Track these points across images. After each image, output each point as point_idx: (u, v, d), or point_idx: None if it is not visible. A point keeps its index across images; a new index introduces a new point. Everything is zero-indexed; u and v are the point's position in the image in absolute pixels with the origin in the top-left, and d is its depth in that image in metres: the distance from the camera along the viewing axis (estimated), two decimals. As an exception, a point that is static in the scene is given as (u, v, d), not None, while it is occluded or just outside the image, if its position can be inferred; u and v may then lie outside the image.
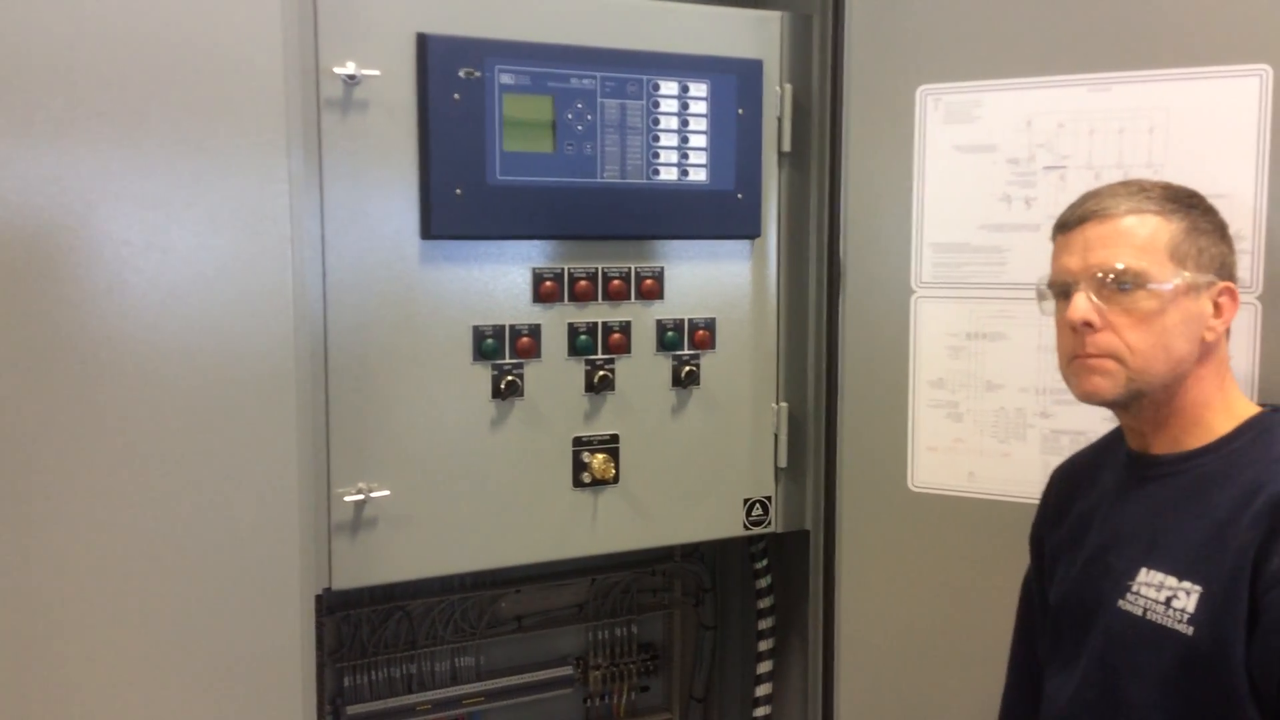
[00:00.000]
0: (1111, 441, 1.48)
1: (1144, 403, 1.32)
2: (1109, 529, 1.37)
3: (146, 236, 1.39)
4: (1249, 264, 1.54)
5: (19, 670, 1.38)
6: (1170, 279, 1.28)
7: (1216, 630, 1.21)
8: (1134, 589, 1.29)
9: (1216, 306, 1.30)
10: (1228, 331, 1.34)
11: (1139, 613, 1.28)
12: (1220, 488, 1.27)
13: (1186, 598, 1.24)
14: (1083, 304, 1.29)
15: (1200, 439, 1.32)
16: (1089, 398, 1.33)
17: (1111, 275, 1.29)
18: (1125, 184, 1.35)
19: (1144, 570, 1.29)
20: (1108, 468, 1.44)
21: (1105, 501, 1.41)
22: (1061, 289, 1.34)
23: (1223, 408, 1.32)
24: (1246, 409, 1.33)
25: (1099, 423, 1.61)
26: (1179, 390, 1.31)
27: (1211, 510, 1.26)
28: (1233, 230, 1.52)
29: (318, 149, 1.60)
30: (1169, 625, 1.24)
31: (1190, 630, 1.22)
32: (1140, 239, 1.29)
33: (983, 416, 1.77)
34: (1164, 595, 1.26)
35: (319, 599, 1.67)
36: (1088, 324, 1.29)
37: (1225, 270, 1.31)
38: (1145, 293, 1.28)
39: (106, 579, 1.41)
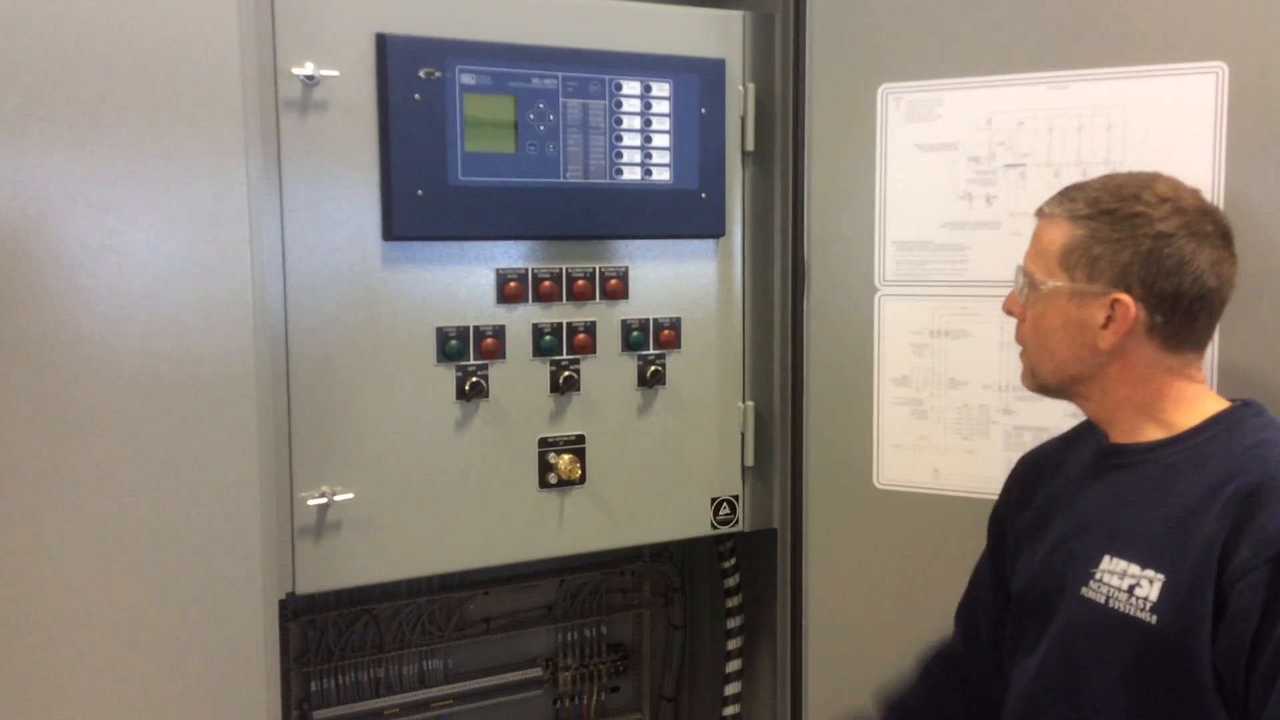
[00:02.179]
0: (1080, 432, 1.49)
1: (1072, 396, 1.40)
2: (1073, 516, 1.38)
3: (102, 239, 1.38)
4: (1206, 260, 1.56)
5: (-25, 680, 1.37)
6: (1048, 284, 1.34)
7: (1181, 619, 1.21)
8: (1097, 576, 1.30)
9: (1110, 317, 1.30)
10: (1154, 336, 1.30)
11: (1101, 600, 1.28)
12: (1186, 478, 1.28)
13: (1150, 586, 1.24)
14: (1010, 294, 1.42)
15: (1161, 432, 1.33)
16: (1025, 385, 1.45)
17: (1021, 273, 1.39)
18: (1082, 184, 1.37)
19: (1107, 558, 1.30)
20: (1075, 457, 1.45)
21: (1069, 489, 1.42)
22: None
23: (1182, 405, 1.33)
24: (1214, 404, 1.34)
25: (1061, 418, 1.62)
26: (1096, 389, 1.36)
27: (1177, 499, 1.27)
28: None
29: (276, 150, 1.59)
30: (1131, 613, 1.25)
31: (1153, 619, 1.23)
32: (1042, 243, 1.36)
33: (946, 414, 1.78)
34: (1126, 583, 1.26)
35: (283, 604, 1.66)
36: (1008, 313, 1.42)
37: (1129, 281, 1.28)
38: (1036, 294, 1.36)
39: (64, 585, 1.39)
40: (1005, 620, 1.51)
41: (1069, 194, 1.36)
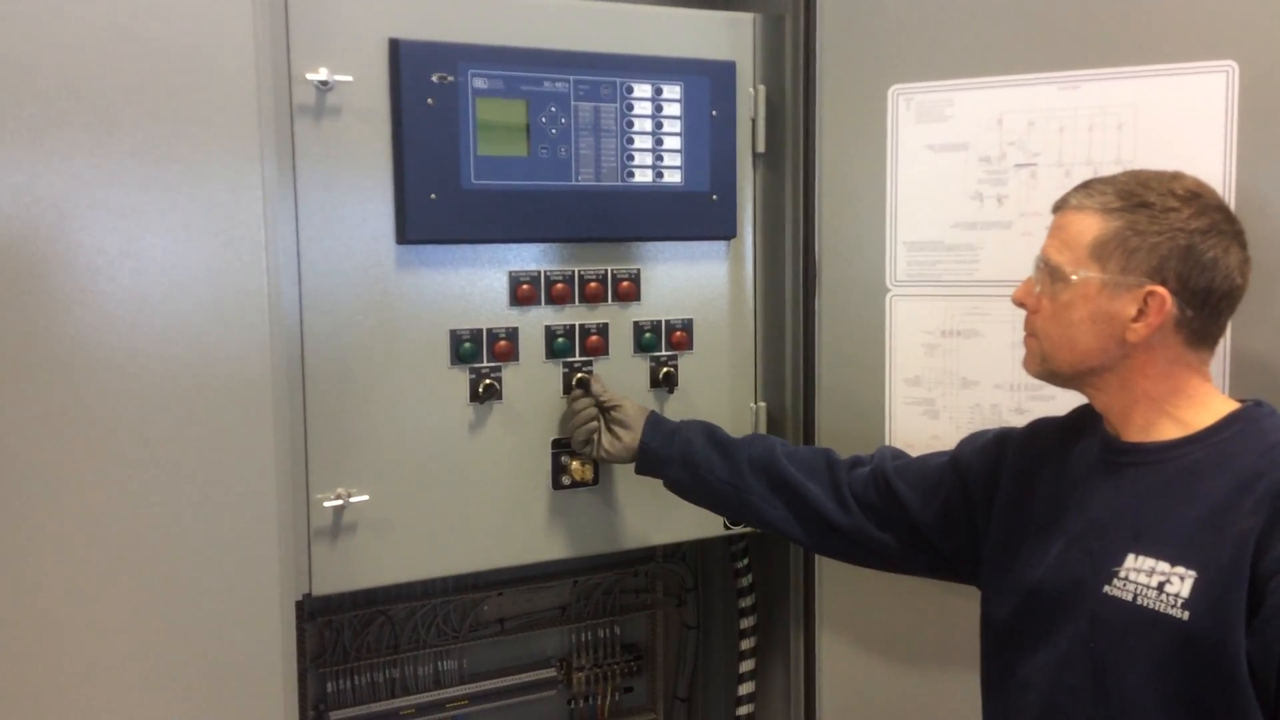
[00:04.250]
0: (1078, 423, 1.48)
1: (1084, 387, 1.39)
2: (1084, 514, 1.38)
3: (120, 245, 1.39)
4: (1218, 258, 1.56)
5: (-3, 681, 1.38)
6: (1079, 274, 1.33)
7: (1216, 614, 1.22)
8: (1122, 575, 1.30)
9: (1143, 310, 1.30)
10: (1180, 330, 1.31)
11: (1129, 598, 1.28)
12: (1211, 476, 1.28)
13: (1181, 583, 1.25)
14: (1021, 285, 1.42)
15: (1175, 430, 1.33)
16: (1025, 371, 1.45)
17: (1043, 264, 1.38)
18: (1106, 178, 1.37)
19: (1132, 556, 1.30)
20: (1077, 451, 1.45)
21: (1076, 486, 1.41)
22: None
23: (1195, 403, 1.34)
24: (1225, 404, 1.34)
25: (1072, 418, 1.62)
26: (1114, 381, 1.35)
27: (1204, 498, 1.27)
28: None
29: (291, 155, 1.60)
30: (1162, 610, 1.25)
31: (1185, 615, 1.23)
32: (1070, 233, 1.35)
33: (959, 413, 1.78)
34: (1156, 580, 1.27)
35: (300, 605, 1.67)
36: (1019, 303, 1.42)
37: (1164, 275, 1.29)
38: (1063, 284, 1.35)
39: (84, 588, 1.40)
40: (893, 509, 1.61)
41: (1095, 187, 1.35)
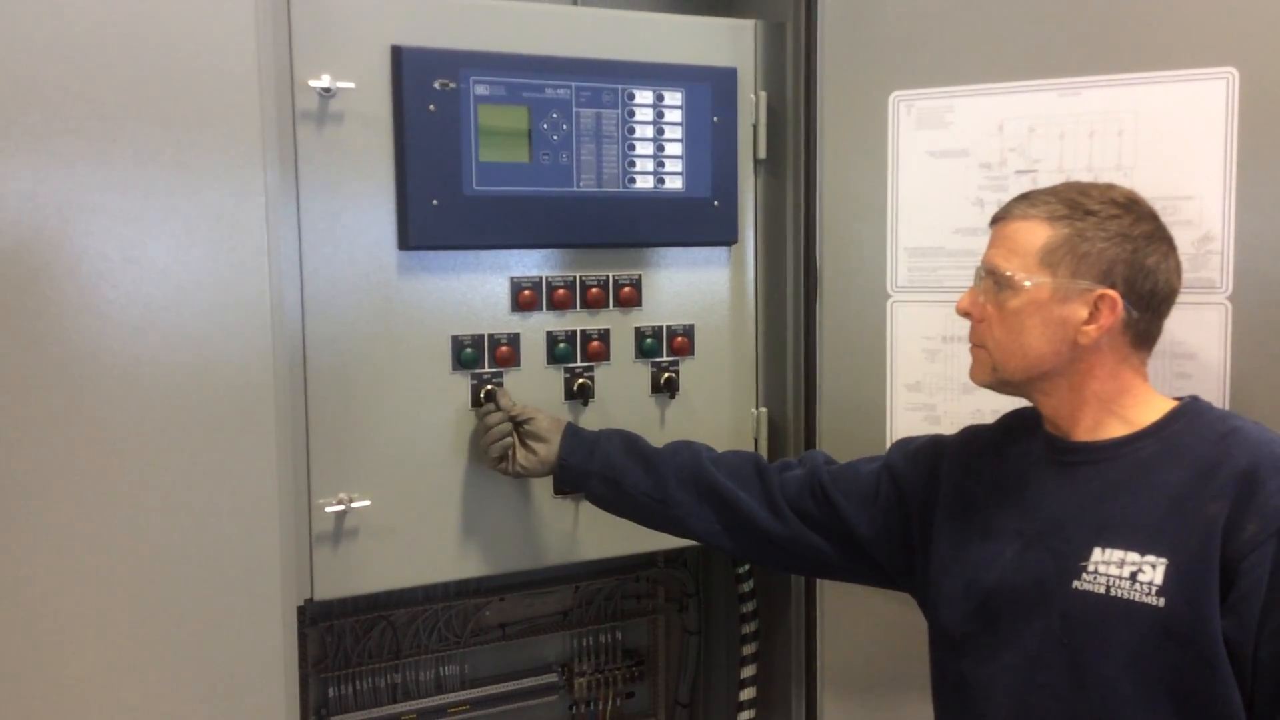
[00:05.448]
0: (1013, 426, 1.51)
1: (1033, 392, 1.41)
2: (1039, 514, 1.40)
3: (123, 250, 1.39)
4: (1218, 265, 1.57)
5: (-1, 686, 1.39)
6: (1030, 280, 1.35)
7: (1191, 599, 1.25)
8: (1090, 569, 1.32)
9: (1094, 313, 1.34)
10: (1127, 332, 1.35)
11: (1101, 590, 1.31)
12: (1167, 468, 1.32)
13: (1153, 571, 1.28)
14: (965, 295, 1.44)
15: (1122, 428, 1.37)
16: (972, 381, 1.46)
17: (987, 272, 1.40)
18: (1046, 189, 1.41)
19: (1098, 550, 1.32)
20: (1014, 455, 1.47)
21: (1025, 488, 1.43)
22: None
23: (1139, 402, 1.38)
24: (1165, 402, 1.39)
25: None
26: (1063, 385, 1.38)
27: (1163, 488, 1.31)
28: (1200, 233, 1.55)
29: (294, 161, 1.61)
30: (1137, 599, 1.28)
31: (1161, 601, 1.26)
32: (1017, 242, 1.38)
33: (960, 419, 1.78)
34: (1127, 570, 1.29)
35: (301, 610, 1.68)
36: (964, 314, 1.44)
37: (1113, 279, 1.33)
38: (1011, 291, 1.37)
39: (85, 593, 1.41)
40: (829, 515, 1.60)
41: (1037, 197, 1.39)
